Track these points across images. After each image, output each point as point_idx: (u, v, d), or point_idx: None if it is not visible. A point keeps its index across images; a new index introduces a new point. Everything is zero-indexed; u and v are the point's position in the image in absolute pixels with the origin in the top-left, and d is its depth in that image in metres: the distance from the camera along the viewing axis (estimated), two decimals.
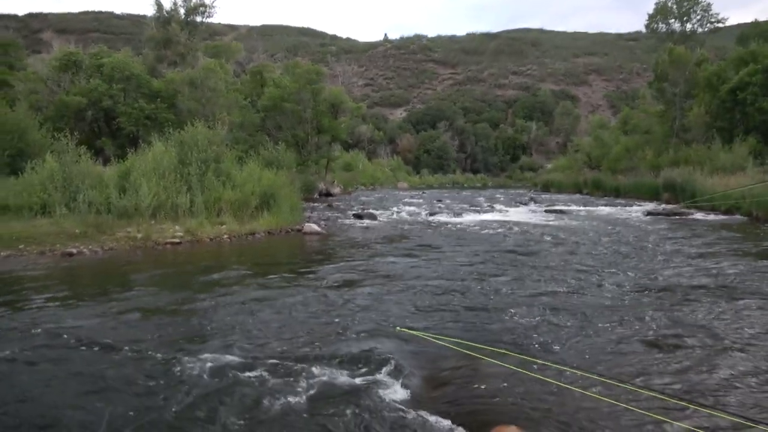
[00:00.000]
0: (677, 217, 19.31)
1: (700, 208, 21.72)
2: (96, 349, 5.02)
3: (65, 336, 5.37)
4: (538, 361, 4.45)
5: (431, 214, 19.70)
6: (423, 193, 37.94)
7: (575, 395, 3.77)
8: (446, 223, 16.90)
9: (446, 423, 3.57)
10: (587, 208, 23.73)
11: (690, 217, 19.34)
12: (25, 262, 9.48)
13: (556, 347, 5.06)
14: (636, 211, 21.96)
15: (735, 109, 27.92)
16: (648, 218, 19.23)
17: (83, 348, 5.04)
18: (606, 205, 24.76)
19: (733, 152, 24.91)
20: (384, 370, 4.48)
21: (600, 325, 5.73)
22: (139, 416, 3.69)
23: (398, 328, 5.01)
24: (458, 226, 16.14)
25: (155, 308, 6.51)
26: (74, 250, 10.29)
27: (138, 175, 13.29)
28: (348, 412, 3.74)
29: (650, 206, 23.84)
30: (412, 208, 22.16)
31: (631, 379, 4.24)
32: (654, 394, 3.56)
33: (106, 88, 25.70)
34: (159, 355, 4.84)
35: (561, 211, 21.34)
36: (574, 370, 4.19)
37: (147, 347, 5.06)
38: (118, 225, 12.15)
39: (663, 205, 23.86)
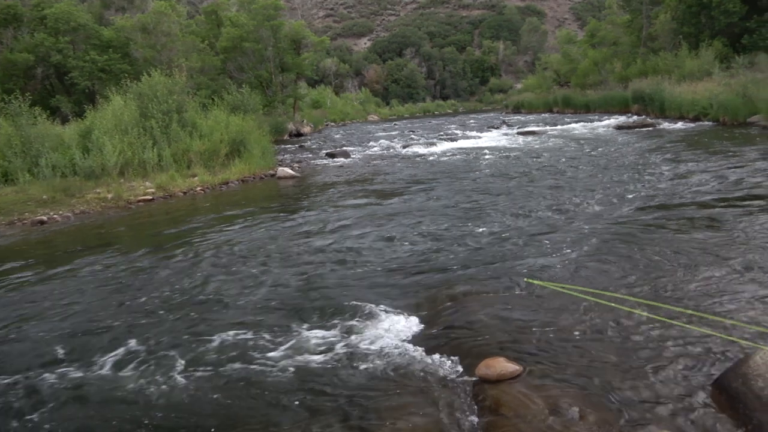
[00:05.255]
0: (648, 128, 19.48)
1: (668, 117, 21.98)
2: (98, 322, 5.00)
3: (52, 305, 5.32)
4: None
5: (405, 147, 19.55)
6: (395, 124, 37.54)
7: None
8: (421, 155, 16.82)
9: (438, 357, 3.68)
10: (558, 127, 23.78)
11: (660, 126, 19.53)
12: None
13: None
14: (606, 126, 22.11)
15: (701, 13, 27.68)
16: (618, 132, 19.37)
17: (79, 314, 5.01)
18: (577, 122, 24.81)
19: (699, 58, 24.90)
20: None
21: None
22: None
23: (528, 279, 4.75)
24: (433, 157, 16.09)
25: (137, 270, 6.45)
26: (45, 218, 10.02)
27: (100, 133, 12.82)
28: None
29: (620, 119, 24.02)
30: (385, 142, 21.94)
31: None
32: None
33: (53, 41, 24.30)
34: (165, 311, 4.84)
35: (533, 133, 21.35)
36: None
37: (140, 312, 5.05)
38: (86, 187, 11.80)
39: (633, 118, 24.06)
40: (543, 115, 35.06)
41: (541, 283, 4.61)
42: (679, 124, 19.55)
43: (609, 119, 24.80)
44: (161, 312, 4.99)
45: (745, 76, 19.16)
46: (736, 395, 2.83)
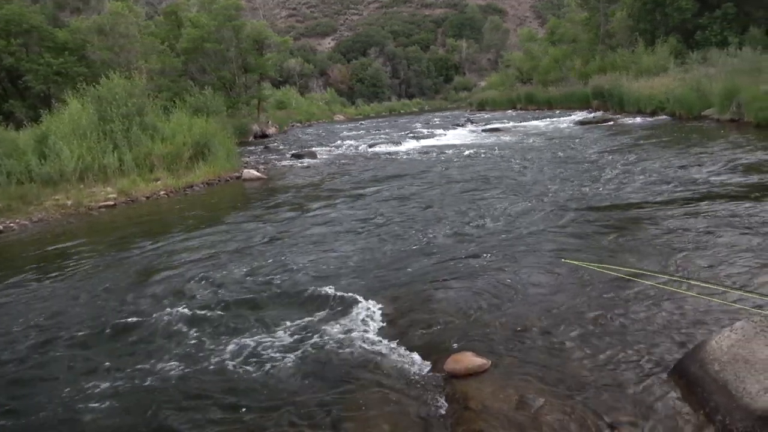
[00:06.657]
0: (608, 123, 19.95)
1: (627, 112, 22.55)
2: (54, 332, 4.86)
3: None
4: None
5: (371, 146, 19.56)
6: (361, 123, 37.51)
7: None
8: (387, 154, 16.86)
9: (405, 351, 3.71)
10: (522, 123, 24.14)
11: (620, 122, 20.02)
12: None
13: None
14: (568, 121, 22.54)
15: (656, 11, 28.45)
16: (580, 127, 19.78)
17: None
18: (540, 119, 25.24)
19: (655, 54, 25.61)
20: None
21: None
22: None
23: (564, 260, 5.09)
24: (399, 156, 16.14)
25: (99, 283, 6.30)
26: (1, 227, 9.70)
27: (57, 138, 12.45)
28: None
29: (581, 115, 24.53)
30: (351, 142, 21.91)
31: None
32: None
33: (5, 44, 23.42)
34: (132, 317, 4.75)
35: (498, 129, 21.63)
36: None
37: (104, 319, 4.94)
38: (44, 194, 11.45)
39: (594, 114, 24.60)
40: (507, 112, 35.50)
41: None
42: (638, 119, 20.07)
43: (571, 115, 25.29)
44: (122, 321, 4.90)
45: (699, 71, 19.78)
46: (695, 379, 2.93)
